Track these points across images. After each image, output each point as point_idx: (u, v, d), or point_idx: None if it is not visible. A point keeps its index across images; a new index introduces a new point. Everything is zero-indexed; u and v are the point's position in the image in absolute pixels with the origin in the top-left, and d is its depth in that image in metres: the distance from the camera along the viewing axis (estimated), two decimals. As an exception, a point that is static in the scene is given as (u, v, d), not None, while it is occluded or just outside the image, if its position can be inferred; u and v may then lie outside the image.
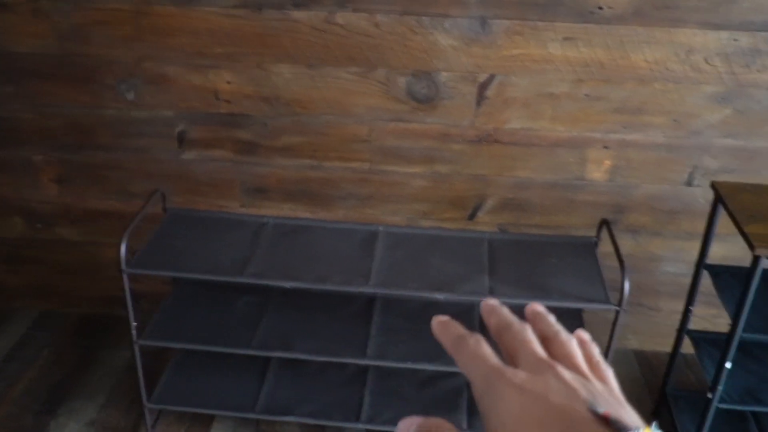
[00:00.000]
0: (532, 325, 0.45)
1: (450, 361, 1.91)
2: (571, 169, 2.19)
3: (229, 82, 2.14)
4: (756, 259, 1.65)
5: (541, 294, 1.83)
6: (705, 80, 2.04)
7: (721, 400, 1.87)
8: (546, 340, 0.44)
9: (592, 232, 2.11)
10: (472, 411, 2.06)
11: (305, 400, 2.09)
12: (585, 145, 2.15)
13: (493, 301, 0.47)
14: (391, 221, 2.29)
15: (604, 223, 1.98)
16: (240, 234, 2.02)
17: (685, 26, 1.98)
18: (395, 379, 2.15)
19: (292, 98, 2.17)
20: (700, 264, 1.99)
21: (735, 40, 1.98)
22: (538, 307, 0.47)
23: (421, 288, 1.83)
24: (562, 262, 1.95)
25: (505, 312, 0.46)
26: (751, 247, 1.65)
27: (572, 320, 2.06)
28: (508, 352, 0.44)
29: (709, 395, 1.85)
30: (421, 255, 1.96)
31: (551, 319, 0.46)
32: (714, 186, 1.88)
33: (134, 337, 1.91)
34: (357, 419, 2.03)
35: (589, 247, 2.00)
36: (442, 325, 0.46)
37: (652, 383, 2.33)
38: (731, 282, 1.95)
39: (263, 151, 2.26)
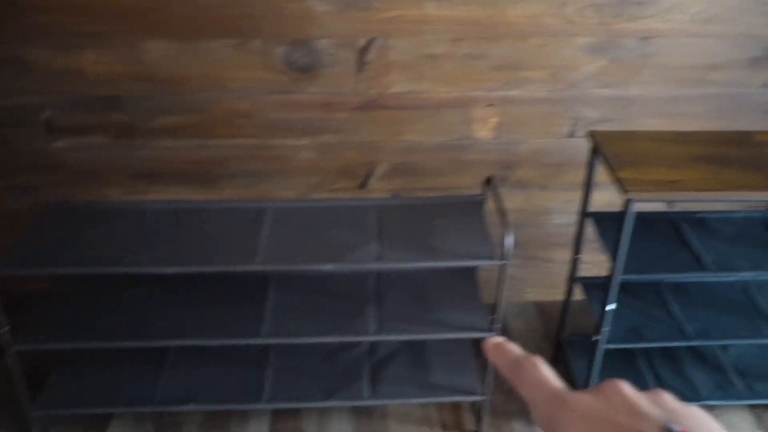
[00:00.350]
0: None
1: (348, 331, 1.90)
2: (457, 130, 2.20)
3: (96, 63, 2.03)
4: (627, 203, 1.70)
5: (429, 255, 1.83)
6: (579, 32, 2.08)
7: (608, 341, 1.94)
8: None
9: (479, 190, 2.13)
10: (375, 379, 2.07)
11: (205, 386, 2.04)
12: (469, 104, 2.16)
13: (497, 340, 0.46)
14: (283, 196, 2.25)
15: (489, 181, 2.00)
16: (121, 223, 1.93)
17: (555, -20, 2.00)
18: (296, 355, 2.13)
19: (166, 76, 2.07)
20: (583, 212, 2.04)
21: (604, -10, 2.02)
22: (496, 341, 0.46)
23: (308, 261, 1.81)
24: (450, 222, 1.96)
25: (511, 349, 0.45)
26: (623, 191, 1.70)
27: (466, 279, 2.09)
28: (525, 398, 0.42)
29: (596, 338, 1.92)
30: (310, 228, 1.93)
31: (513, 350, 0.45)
32: (590, 135, 1.92)
33: (6, 343, 1.81)
34: (259, 400, 2.00)
35: (476, 205, 2.01)
36: (496, 348, 0.45)
37: (551, 332, 2.40)
38: (611, 227, 2.01)
39: (143, 134, 2.16)
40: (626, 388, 0.39)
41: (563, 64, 2.12)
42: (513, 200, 2.33)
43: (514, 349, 0.44)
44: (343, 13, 2.00)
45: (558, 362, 2.31)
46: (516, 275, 2.50)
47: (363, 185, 2.27)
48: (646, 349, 2.24)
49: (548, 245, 2.44)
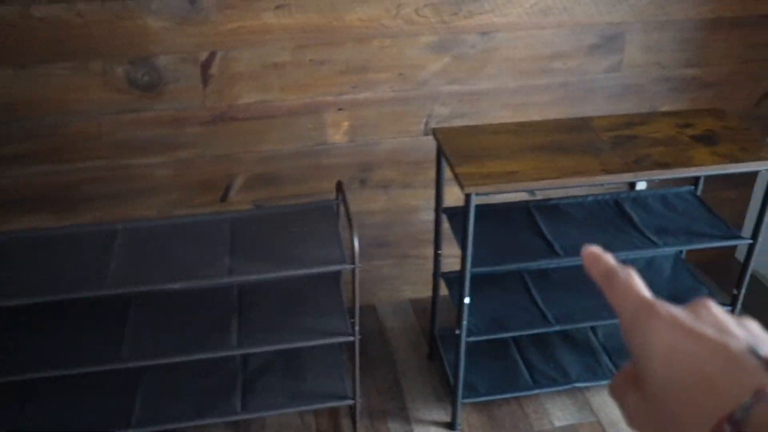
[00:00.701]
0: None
1: (209, 347, 1.88)
2: (312, 136, 2.21)
3: (-75, 95, 1.96)
4: (467, 197, 1.74)
5: (280, 265, 1.83)
6: (420, 32, 2.11)
7: (470, 333, 1.97)
8: None
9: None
10: (248, 392, 2.05)
11: (75, 416, 1.99)
12: (320, 109, 2.17)
13: (594, 249, 0.45)
14: (144, 215, 2.21)
15: (339, 185, 2.01)
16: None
17: (390, -18, 2.02)
18: (167, 375, 2.10)
19: (5, 103, 2.01)
20: (437, 209, 2.07)
21: (439, -10, 2.05)
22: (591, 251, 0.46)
23: (157, 281, 1.78)
24: (304, 229, 1.96)
25: (609, 258, 0.45)
26: (461, 186, 1.73)
27: (329, 284, 2.09)
28: (614, 306, 0.42)
29: (457, 331, 1.95)
30: (163, 246, 1.90)
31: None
32: (434, 133, 1.96)
33: None
34: (129, 425, 1.96)
35: (329, 210, 2.02)
36: (592, 257, 0.45)
37: (427, 328, 2.42)
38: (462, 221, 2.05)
39: (-11, 164, 2.09)
40: (716, 307, 0.39)
41: (408, 63, 2.15)
42: (377, 201, 2.35)
43: (610, 259, 0.44)
44: (180, 28, 1.97)
45: (433, 358, 2.34)
46: (391, 274, 2.52)
47: (224, 198, 2.25)
48: (518, 338, 2.29)
49: (419, 242, 2.47)
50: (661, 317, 0.39)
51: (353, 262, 1.81)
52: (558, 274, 2.22)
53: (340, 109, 2.17)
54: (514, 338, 2.29)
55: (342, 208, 2.01)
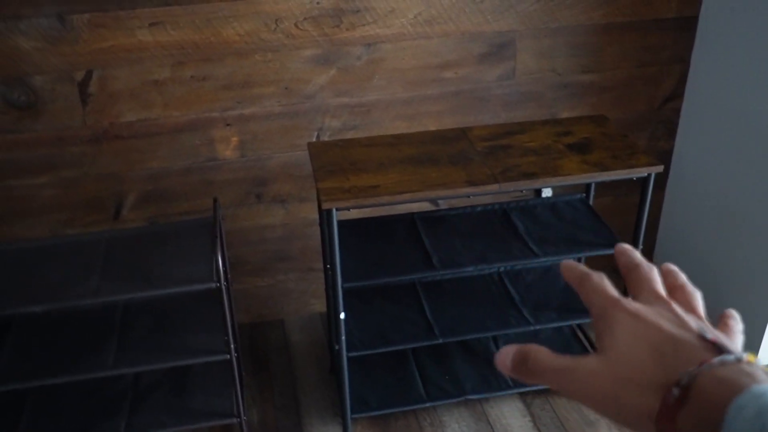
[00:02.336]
0: (663, 278, 0.50)
1: (82, 369, 1.86)
2: (201, 152, 2.19)
3: None
4: (327, 213, 1.72)
5: (146, 285, 1.81)
6: (302, 45, 2.09)
7: (352, 348, 1.95)
8: (672, 289, 0.49)
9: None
10: (134, 412, 2.03)
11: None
12: (206, 126, 2.15)
13: (625, 245, 0.53)
14: (32, 235, 2.20)
15: (215, 202, 1.99)
16: None
17: (265, -4, 2.01)
18: (54, 397, 2.08)
19: None
20: (321, 222, 2.05)
21: (317, 3, 2.04)
22: (671, 266, 0.52)
23: (18, 304, 1.77)
24: (180, 247, 1.94)
25: (636, 254, 0.52)
26: (320, 202, 1.71)
27: (211, 302, 2.07)
28: (633, 290, 0.49)
29: (336, 347, 1.93)
30: (32, 268, 1.89)
31: (681, 275, 0.51)
32: (308, 147, 1.94)
33: None
34: (10, 447, 1.95)
35: (206, 227, 2.00)
36: (568, 267, 0.52)
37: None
38: (350, 234, 2.03)
39: None
40: (675, 305, 0.46)
41: (293, 77, 2.13)
42: (275, 215, 2.34)
43: (584, 267, 0.51)
44: (52, 47, 1.96)
45: (334, 373, 2.32)
46: (297, 288, 2.50)
47: (117, 216, 2.24)
48: (417, 349, 2.27)
49: (320, 256, 2.45)
50: (625, 310, 0.46)
51: (218, 281, 1.79)
52: (452, 285, 2.20)
53: (227, 125, 2.16)
54: (413, 350, 2.27)
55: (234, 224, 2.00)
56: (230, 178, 2.25)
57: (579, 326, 2.36)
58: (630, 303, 0.47)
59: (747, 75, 2.14)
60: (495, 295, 2.17)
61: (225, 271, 2.10)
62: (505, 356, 0.50)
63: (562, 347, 2.27)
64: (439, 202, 2.37)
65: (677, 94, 2.41)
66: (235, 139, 2.19)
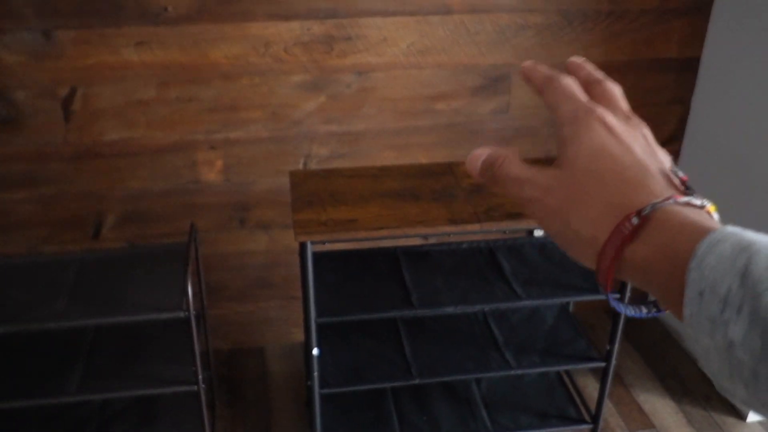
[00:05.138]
0: (575, 73, 0.47)
1: (43, 393, 1.81)
2: (184, 174, 2.15)
3: None
4: (302, 246, 1.66)
5: (114, 310, 1.76)
6: (290, 70, 2.05)
7: (325, 384, 1.89)
8: (588, 85, 0.46)
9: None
10: None
11: None
12: (190, 147, 2.11)
13: (529, 63, 0.48)
14: (7, 251, 2.16)
15: (192, 227, 1.94)
16: None
17: (255, 20, 1.97)
18: (18, 420, 2.03)
19: None
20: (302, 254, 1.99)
21: (308, 29, 2.00)
22: (577, 59, 0.49)
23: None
24: (154, 272, 1.89)
25: (545, 68, 0.47)
26: (295, 234, 1.66)
27: (182, 330, 2.02)
28: (552, 105, 0.45)
29: (308, 383, 1.87)
30: (3, 286, 1.84)
31: (591, 67, 0.48)
32: (290, 175, 1.89)
33: None
34: (-34, 471, 1.89)
35: (180, 252, 1.95)
36: (530, 68, 0.47)
37: (308, 374, 2.34)
38: (328, 268, 1.97)
39: None
40: (650, 133, 0.43)
41: (281, 102, 2.09)
42: (258, 241, 2.28)
43: (549, 69, 0.47)
44: (36, 63, 1.93)
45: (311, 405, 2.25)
46: (278, 316, 2.44)
47: (96, 236, 2.19)
48: (396, 387, 2.20)
49: (304, 285, 2.39)
50: (600, 120, 0.42)
51: (187, 310, 1.74)
52: (435, 323, 2.13)
53: (212, 148, 2.12)
54: (391, 388, 2.20)
55: (210, 249, 1.94)
56: (213, 202, 2.20)
57: (566, 372, 2.28)
58: (607, 113, 0.43)
59: (748, 119, 2.07)
60: (478, 336, 2.09)
61: (201, 299, 2.05)
62: (477, 157, 0.47)
63: (546, 392, 2.19)
64: (427, 236, 2.31)
65: (677, 136, 2.35)
66: (219, 162, 2.14)
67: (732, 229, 0.35)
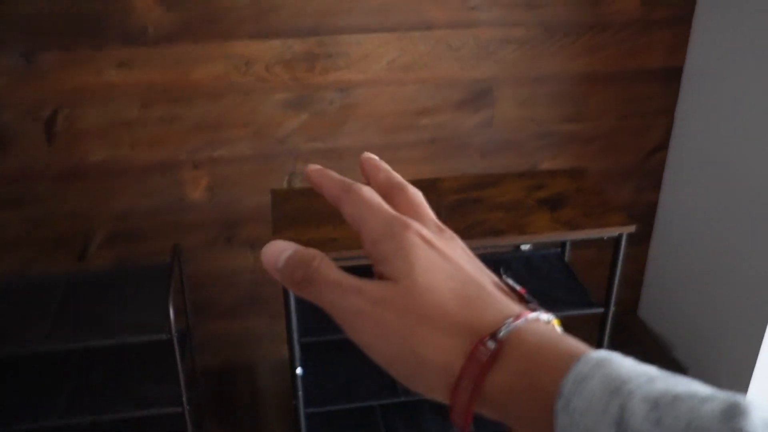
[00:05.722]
0: (372, 177, 0.43)
1: (30, 417, 1.81)
2: (170, 193, 2.15)
3: None
4: (282, 267, 1.66)
5: (98, 333, 1.76)
6: (273, 88, 2.05)
7: (310, 403, 1.88)
8: (389, 190, 0.42)
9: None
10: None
11: None
12: (175, 166, 2.11)
13: (314, 169, 0.43)
14: (-4, 273, 2.16)
15: (175, 248, 1.94)
16: None
17: (236, 39, 1.98)
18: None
19: None
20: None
21: (289, 47, 2.00)
22: (371, 157, 0.44)
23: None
24: (140, 293, 1.90)
25: (334, 175, 0.42)
26: (274, 255, 1.66)
27: (166, 350, 2.02)
28: (355, 220, 0.40)
29: (294, 402, 1.86)
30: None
31: (387, 168, 0.43)
32: (271, 194, 1.89)
33: None
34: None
35: (164, 273, 1.95)
36: (319, 173, 0.42)
37: (297, 391, 2.33)
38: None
39: None
40: (462, 245, 0.40)
41: (265, 120, 2.09)
42: (245, 258, 2.29)
43: (336, 175, 0.42)
44: (18, 84, 1.94)
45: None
46: (268, 332, 2.44)
47: (83, 255, 2.19)
48: (384, 405, 2.19)
49: (292, 301, 2.39)
50: (419, 235, 0.38)
51: (170, 332, 1.74)
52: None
53: (196, 167, 2.12)
54: (380, 405, 2.19)
55: (197, 268, 1.95)
56: (199, 220, 2.20)
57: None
58: (422, 228, 0.39)
59: (732, 127, 2.06)
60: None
61: (186, 318, 2.05)
62: (280, 251, 0.40)
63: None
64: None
65: (663, 145, 2.34)
66: (204, 181, 2.14)
67: (595, 358, 0.32)
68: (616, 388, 0.30)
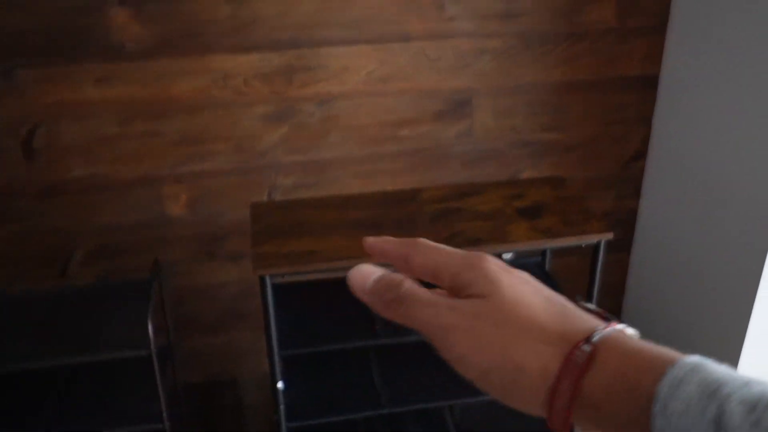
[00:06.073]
0: (408, 259, 0.43)
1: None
2: (151, 208, 2.14)
3: None
4: (261, 280, 1.66)
5: (78, 350, 1.75)
6: (253, 102, 2.06)
7: (292, 417, 1.87)
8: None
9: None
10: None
11: None
12: (156, 182, 2.11)
13: (369, 240, 0.44)
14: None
15: (155, 263, 1.94)
16: None
17: (215, 53, 1.98)
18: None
19: None
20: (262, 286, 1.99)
21: (267, 60, 2.01)
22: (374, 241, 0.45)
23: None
24: (121, 309, 1.89)
25: (391, 239, 0.44)
26: (253, 268, 1.66)
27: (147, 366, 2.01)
28: (430, 265, 0.42)
29: (276, 416, 1.86)
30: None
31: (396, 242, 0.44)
32: (251, 207, 1.89)
33: None
34: None
35: (145, 288, 1.94)
36: (378, 243, 0.44)
37: (282, 404, 2.32)
38: (293, 299, 1.97)
39: None
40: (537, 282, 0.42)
41: (245, 134, 2.09)
42: (229, 272, 2.28)
43: (391, 238, 0.44)
44: (-4, 102, 1.94)
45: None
46: (253, 347, 2.43)
47: (64, 272, 2.18)
48: (369, 418, 2.18)
49: (276, 314, 2.38)
50: (495, 263, 0.41)
51: (149, 348, 1.73)
52: (407, 348, 2.12)
53: (177, 181, 2.12)
54: (365, 418, 2.19)
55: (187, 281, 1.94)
56: (182, 235, 2.20)
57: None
58: (495, 259, 0.42)
59: (709, 134, 2.08)
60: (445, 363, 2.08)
61: (168, 334, 2.04)
62: (368, 274, 0.43)
63: (521, 418, 2.17)
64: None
65: (643, 153, 2.36)
66: (185, 195, 2.14)
67: (690, 362, 0.33)
68: (713, 392, 0.31)
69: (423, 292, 0.41)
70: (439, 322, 0.39)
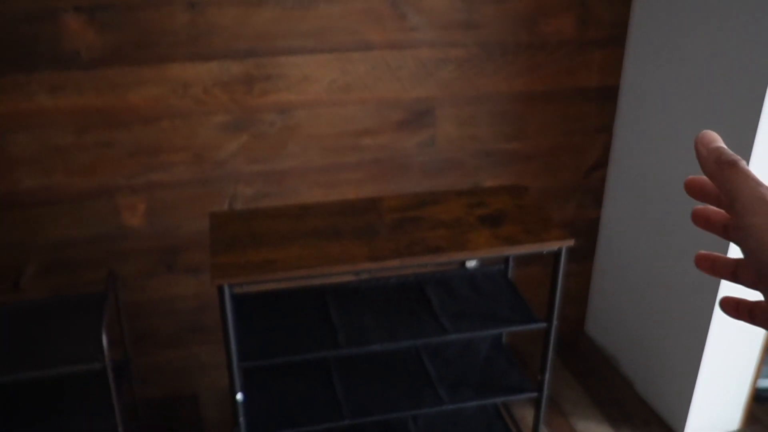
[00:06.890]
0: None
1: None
2: (107, 220, 2.10)
3: None
4: (220, 290, 1.63)
5: (29, 365, 1.70)
6: (211, 111, 2.03)
7: (253, 430, 1.84)
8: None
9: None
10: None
11: None
12: (111, 193, 2.07)
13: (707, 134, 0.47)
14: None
15: (110, 275, 1.89)
16: None
17: (173, 62, 1.95)
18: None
19: None
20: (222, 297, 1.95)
21: (227, 69, 1.98)
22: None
23: None
24: (74, 323, 1.84)
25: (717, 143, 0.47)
26: (211, 278, 1.62)
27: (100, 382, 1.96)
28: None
29: (235, 429, 1.81)
30: None
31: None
32: (210, 217, 1.86)
33: None
34: None
35: (100, 302, 1.90)
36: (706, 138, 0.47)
37: (243, 419, 2.28)
38: (253, 309, 1.94)
39: None
40: None
41: (203, 143, 2.06)
42: (187, 285, 2.24)
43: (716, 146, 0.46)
44: (-55, 111, 1.88)
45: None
46: (212, 361, 2.38)
47: (15, 287, 2.12)
48: (330, 429, 2.15)
49: (237, 327, 2.34)
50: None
51: (103, 361, 1.68)
52: (367, 360, 2.10)
53: (133, 192, 2.07)
54: (326, 429, 2.15)
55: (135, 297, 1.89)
56: (138, 247, 2.15)
57: (503, 404, 2.26)
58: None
59: (668, 144, 2.11)
60: (411, 372, 2.07)
61: (124, 348, 1.99)
62: (715, 138, 0.47)
63: (484, 426, 2.16)
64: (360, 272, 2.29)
65: (603, 163, 2.38)
66: (141, 206, 2.10)
67: None
68: None
69: (752, 176, 0.44)
70: (760, 193, 0.42)
